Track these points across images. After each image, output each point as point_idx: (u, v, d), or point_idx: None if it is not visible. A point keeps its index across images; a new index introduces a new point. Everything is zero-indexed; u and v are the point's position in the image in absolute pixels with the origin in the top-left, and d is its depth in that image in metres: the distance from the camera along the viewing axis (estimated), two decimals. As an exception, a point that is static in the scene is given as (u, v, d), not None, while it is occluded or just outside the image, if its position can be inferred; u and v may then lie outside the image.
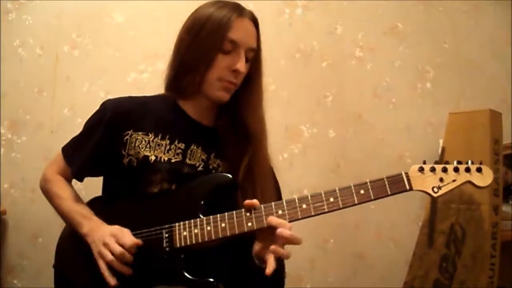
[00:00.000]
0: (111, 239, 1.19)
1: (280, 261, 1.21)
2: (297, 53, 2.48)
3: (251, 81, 1.34)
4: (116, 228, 1.22)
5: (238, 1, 1.33)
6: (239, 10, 1.28)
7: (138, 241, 1.20)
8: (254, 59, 1.33)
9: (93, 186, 1.41)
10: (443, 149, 2.02)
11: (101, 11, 2.41)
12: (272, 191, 1.30)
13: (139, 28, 2.41)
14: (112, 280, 1.17)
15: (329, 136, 2.47)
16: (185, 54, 1.30)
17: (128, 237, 1.19)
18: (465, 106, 2.35)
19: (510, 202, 2.10)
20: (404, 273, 2.05)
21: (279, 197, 1.35)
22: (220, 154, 1.33)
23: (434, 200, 1.93)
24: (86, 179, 1.40)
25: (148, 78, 2.37)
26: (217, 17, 1.26)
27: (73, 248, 1.30)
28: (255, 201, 1.17)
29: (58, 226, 1.38)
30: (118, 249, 1.17)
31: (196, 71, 1.27)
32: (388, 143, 2.47)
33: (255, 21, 1.32)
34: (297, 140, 2.45)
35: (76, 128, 1.40)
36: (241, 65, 1.27)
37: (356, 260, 2.41)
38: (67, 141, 1.41)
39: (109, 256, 1.17)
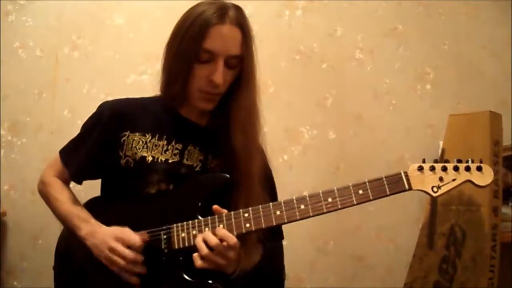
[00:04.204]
0: (117, 244, 1.18)
1: (280, 263, 1.21)
2: (297, 55, 2.47)
3: (239, 88, 1.29)
4: (117, 230, 1.21)
5: (238, 3, 1.31)
6: (219, 16, 1.21)
7: (144, 236, 1.19)
8: (241, 65, 1.27)
9: (92, 188, 1.40)
10: (443, 151, 2.02)
11: (101, 13, 2.41)
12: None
13: (139, 30, 2.41)
14: (133, 279, 1.18)
15: (329, 137, 2.46)
16: (171, 61, 1.28)
17: (132, 236, 1.19)
18: (465, 108, 2.35)
19: (510, 204, 2.10)
20: (404, 274, 2.05)
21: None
22: (217, 154, 1.33)
23: (433, 201, 1.93)
24: (85, 181, 1.40)
25: (148, 80, 2.36)
26: (196, 24, 1.21)
27: (72, 249, 1.30)
28: (224, 210, 1.17)
29: (58, 228, 1.38)
30: (129, 254, 1.17)
31: (179, 80, 1.26)
32: (388, 145, 2.46)
33: (240, 26, 1.24)
34: (297, 142, 2.45)
35: (76, 130, 1.40)
36: (217, 76, 1.22)
37: (356, 262, 2.41)
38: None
39: (121, 262, 1.17)
